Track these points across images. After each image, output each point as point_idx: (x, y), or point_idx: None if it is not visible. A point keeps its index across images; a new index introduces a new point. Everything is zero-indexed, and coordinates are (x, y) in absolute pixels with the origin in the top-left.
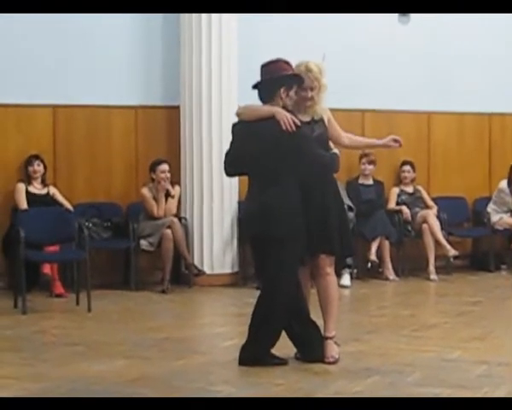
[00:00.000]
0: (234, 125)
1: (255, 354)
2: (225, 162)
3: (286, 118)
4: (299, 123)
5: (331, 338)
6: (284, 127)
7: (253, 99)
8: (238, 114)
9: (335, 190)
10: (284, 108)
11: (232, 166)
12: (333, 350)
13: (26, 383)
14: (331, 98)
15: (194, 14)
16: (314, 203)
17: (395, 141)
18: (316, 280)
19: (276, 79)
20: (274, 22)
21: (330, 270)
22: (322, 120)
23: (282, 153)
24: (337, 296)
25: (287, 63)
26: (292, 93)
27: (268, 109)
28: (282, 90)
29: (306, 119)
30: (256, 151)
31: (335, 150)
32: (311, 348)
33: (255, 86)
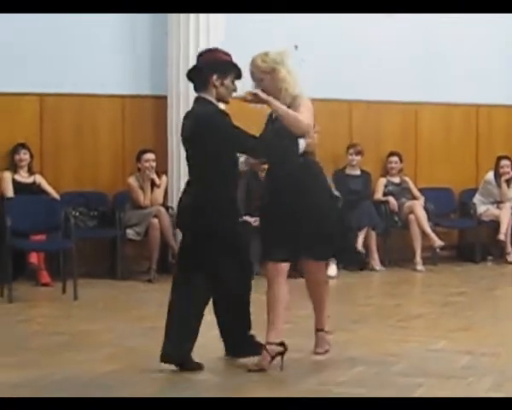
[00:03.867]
0: None
1: (177, 356)
2: None
3: None
4: None
5: (322, 330)
6: None
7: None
8: None
9: (326, 186)
10: (220, 99)
11: None
12: (324, 342)
13: (12, 372)
14: (318, 89)
15: None
16: (306, 206)
17: None
18: (305, 277)
19: (207, 65)
20: (262, 15)
21: (322, 270)
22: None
23: (200, 144)
24: (328, 291)
25: (226, 54)
26: (227, 82)
27: None
28: (214, 77)
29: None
30: (183, 141)
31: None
32: (237, 344)
33: (189, 77)
